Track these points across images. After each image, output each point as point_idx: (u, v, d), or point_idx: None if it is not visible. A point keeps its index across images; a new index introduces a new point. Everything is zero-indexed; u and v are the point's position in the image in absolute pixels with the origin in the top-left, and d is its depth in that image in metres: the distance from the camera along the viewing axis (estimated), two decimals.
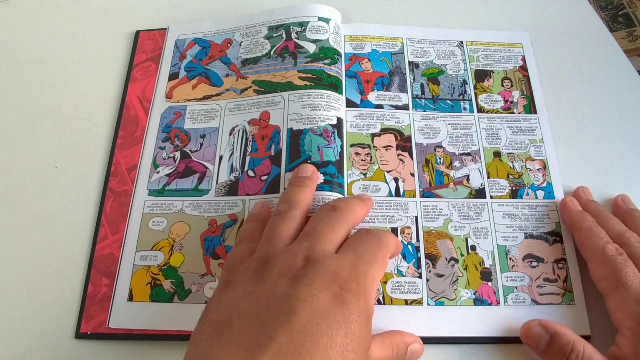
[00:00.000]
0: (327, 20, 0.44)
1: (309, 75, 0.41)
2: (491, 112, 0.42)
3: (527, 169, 0.40)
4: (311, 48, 0.43)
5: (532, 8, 0.49)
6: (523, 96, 0.43)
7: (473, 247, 0.37)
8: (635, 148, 0.42)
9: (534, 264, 0.36)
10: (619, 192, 0.40)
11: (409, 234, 0.37)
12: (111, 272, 0.37)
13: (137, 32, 0.48)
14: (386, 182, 0.39)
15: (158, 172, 0.40)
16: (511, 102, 0.43)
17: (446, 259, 0.36)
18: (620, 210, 0.38)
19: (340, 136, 0.40)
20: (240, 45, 0.45)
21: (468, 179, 0.39)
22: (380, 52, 0.45)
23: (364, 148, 0.40)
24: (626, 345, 0.30)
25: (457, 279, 0.36)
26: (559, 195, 0.39)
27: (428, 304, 0.35)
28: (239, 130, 0.41)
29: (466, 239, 0.37)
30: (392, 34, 0.46)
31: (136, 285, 0.36)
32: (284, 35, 0.44)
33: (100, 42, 0.48)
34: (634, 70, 0.46)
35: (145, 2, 0.50)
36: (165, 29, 0.47)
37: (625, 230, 0.35)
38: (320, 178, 0.37)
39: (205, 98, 0.43)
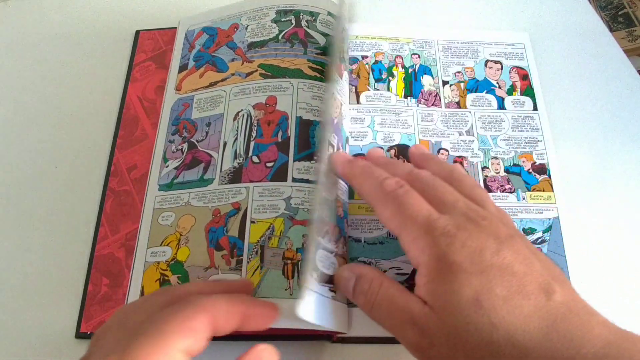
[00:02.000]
0: (335, 17, 0.43)
1: (320, 67, 0.41)
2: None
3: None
4: (322, 41, 0.42)
5: (532, 8, 0.49)
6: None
7: None
8: (635, 148, 0.42)
9: None
10: (618, 193, 0.40)
11: None
12: (111, 272, 0.37)
13: (137, 32, 0.48)
14: None
15: (167, 166, 0.39)
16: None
17: None
18: (414, 157, 0.36)
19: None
20: (246, 29, 0.43)
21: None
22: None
23: None
24: (422, 285, 0.27)
25: None
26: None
27: None
28: (243, 114, 0.39)
29: None
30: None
31: (147, 282, 0.36)
32: (293, 21, 0.42)
33: (100, 42, 0.48)
34: (634, 70, 0.46)
35: (145, 2, 0.50)
36: (166, 28, 0.47)
37: (414, 168, 0.32)
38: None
39: (211, 85, 0.42)
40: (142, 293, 0.35)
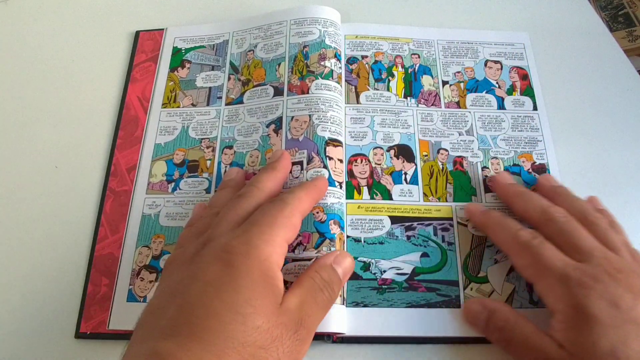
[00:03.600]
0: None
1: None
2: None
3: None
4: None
5: (532, 8, 0.49)
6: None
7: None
8: (635, 148, 0.42)
9: None
10: (618, 192, 0.40)
11: None
12: (111, 272, 0.37)
13: (137, 32, 0.48)
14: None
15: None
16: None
17: None
18: (544, 189, 0.37)
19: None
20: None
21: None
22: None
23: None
24: (559, 330, 0.29)
25: None
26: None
27: None
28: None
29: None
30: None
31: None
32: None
33: (100, 42, 0.48)
34: (634, 70, 0.46)
35: (145, 2, 0.50)
36: (164, 29, 0.47)
37: (549, 205, 0.34)
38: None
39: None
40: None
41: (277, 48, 0.43)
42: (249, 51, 0.44)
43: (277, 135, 0.39)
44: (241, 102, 0.42)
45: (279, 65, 0.42)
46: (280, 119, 0.40)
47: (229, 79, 0.44)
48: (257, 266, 0.27)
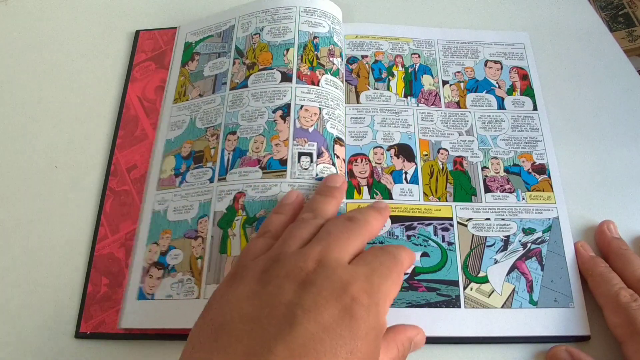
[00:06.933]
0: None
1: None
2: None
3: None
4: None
5: (532, 8, 0.49)
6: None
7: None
8: (635, 148, 0.42)
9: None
10: (618, 192, 0.40)
11: None
12: (111, 272, 0.37)
13: (137, 32, 0.48)
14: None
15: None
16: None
17: None
18: None
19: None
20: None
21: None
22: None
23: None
24: None
25: None
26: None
27: None
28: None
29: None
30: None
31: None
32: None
33: (100, 42, 0.48)
34: (634, 70, 0.46)
35: (145, 2, 0.50)
36: (166, 28, 0.47)
37: None
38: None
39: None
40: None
41: (285, 33, 0.42)
42: (255, 34, 0.43)
43: (285, 122, 0.38)
44: (245, 85, 0.41)
45: (287, 50, 0.41)
46: (288, 106, 0.39)
47: (234, 63, 0.43)
48: (374, 328, 0.25)
